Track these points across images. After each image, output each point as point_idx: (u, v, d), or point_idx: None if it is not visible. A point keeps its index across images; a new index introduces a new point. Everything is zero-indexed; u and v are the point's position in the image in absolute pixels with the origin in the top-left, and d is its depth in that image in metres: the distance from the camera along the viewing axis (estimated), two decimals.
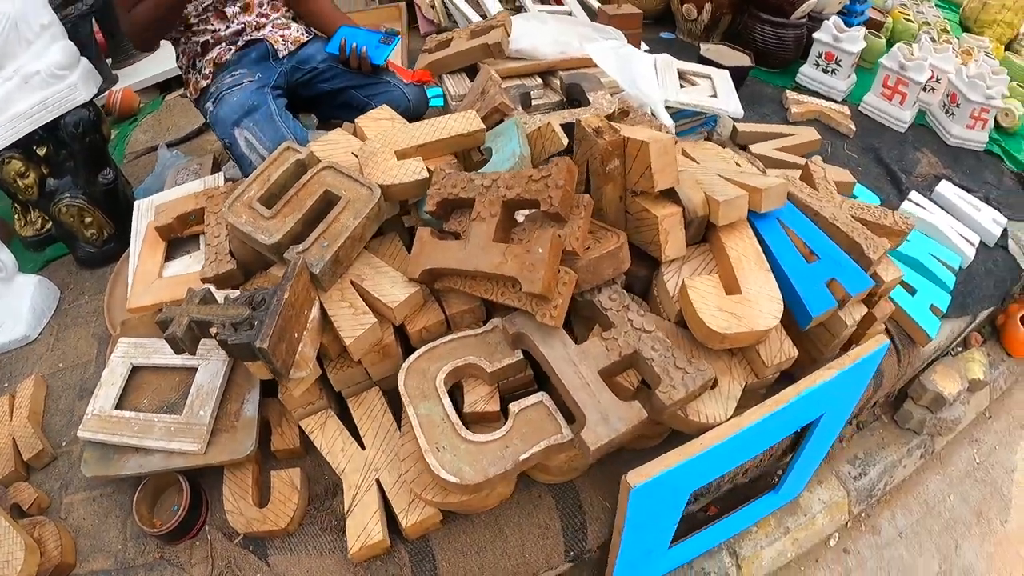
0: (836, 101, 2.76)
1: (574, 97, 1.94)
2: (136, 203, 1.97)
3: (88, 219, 2.15)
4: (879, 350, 1.43)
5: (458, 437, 1.26)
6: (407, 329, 1.48)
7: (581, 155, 1.50)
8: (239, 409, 1.52)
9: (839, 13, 3.00)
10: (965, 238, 2.18)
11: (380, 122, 1.79)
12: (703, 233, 1.51)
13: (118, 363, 1.62)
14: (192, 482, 1.48)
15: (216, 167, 2.25)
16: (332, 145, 1.73)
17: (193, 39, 2.11)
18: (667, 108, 2.06)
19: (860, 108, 2.76)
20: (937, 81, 2.79)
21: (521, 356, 1.39)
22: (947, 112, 2.71)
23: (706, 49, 2.62)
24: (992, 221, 2.28)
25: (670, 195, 1.44)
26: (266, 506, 1.45)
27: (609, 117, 1.78)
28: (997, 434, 2.51)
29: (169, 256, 1.83)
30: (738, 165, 1.79)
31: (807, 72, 2.84)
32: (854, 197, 2.12)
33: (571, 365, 1.31)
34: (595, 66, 2.09)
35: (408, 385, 1.34)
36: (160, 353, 1.61)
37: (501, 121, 1.78)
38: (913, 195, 2.27)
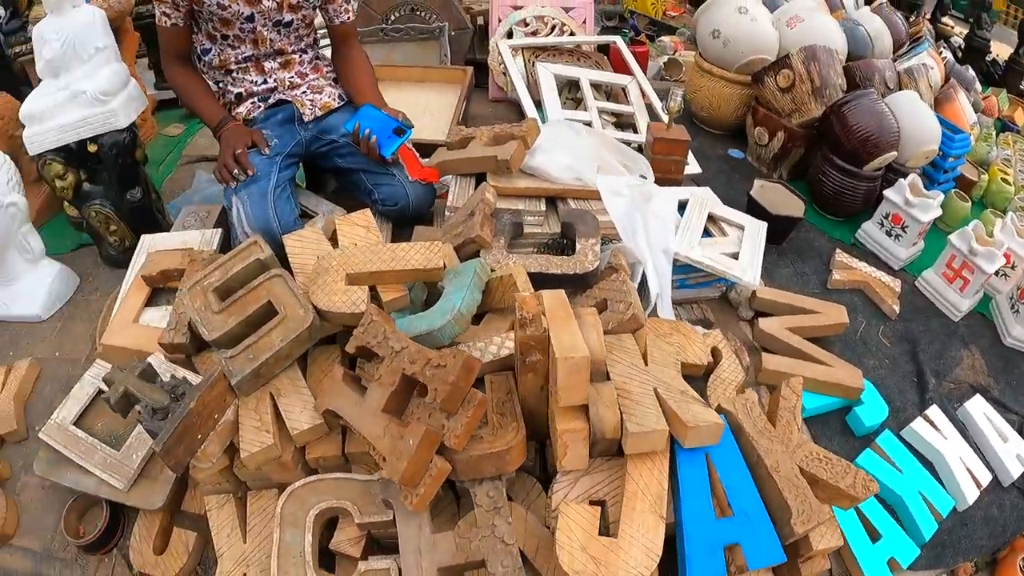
0: (892, 270, 2.52)
1: (568, 237, 1.83)
2: (142, 237, 2.11)
3: (113, 227, 2.25)
4: None
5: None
6: (305, 453, 1.50)
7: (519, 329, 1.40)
8: None
9: (929, 164, 2.74)
10: (972, 475, 1.91)
11: (355, 228, 1.80)
12: (615, 448, 1.38)
13: (88, 382, 1.74)
14: (114, 507, 1.63)
15: (224, 218, 2.27)
16: (303, 244, 1.76)
17: (230, 88, 2.14)
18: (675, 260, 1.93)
19: (916, 283, 2.50)
20: (1013, 267, 2.50)
21: (391, 516, 1.37)
22: (1013, 308, 2.42)
23: (760, 186, 2.43)
24: (1015, 457, 1.99)
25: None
26: (161, 554, 1.56)
27: (588, 274, 1.69)
28: None
29: (152, 300, 1.93)
30: (715, 360, 1.65)
31: (869, 231, 2.59)
32: (860, 403, 1.93)
33: (416, 553, 1.29)
34: None
35: (285, 508, 1.39)
36: None
37: (478, 252, 1.74)
38: (932, 411, 2.02)
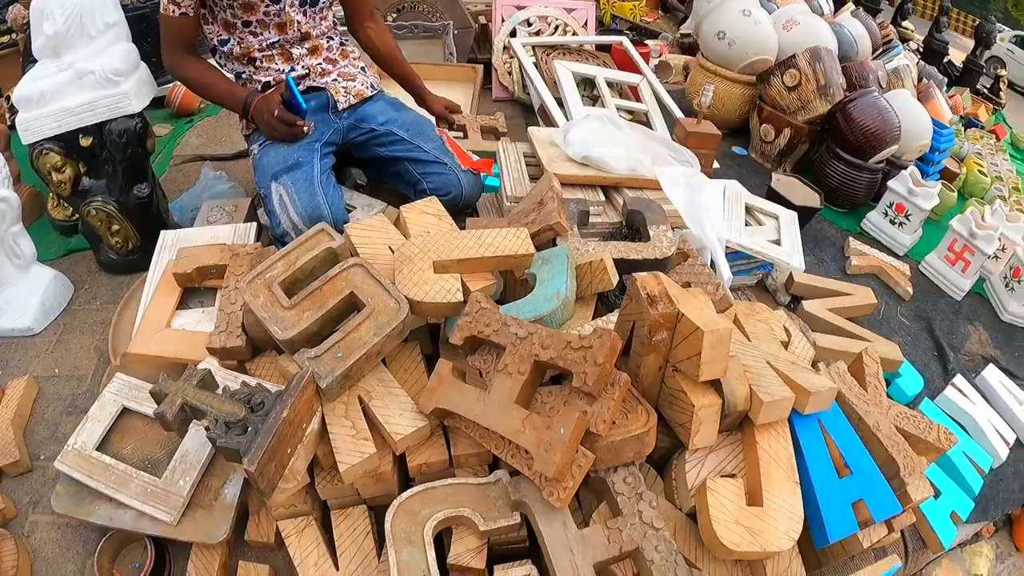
0: (897, 256, 2.67)
1: (634, 224, 1.88)
2: (162, 233, 1.93)
3: (116, 227, 2.08)
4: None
5: None
6: (407, 461, 1.41)
7: (628, 313, 1.41)
8: (220, 487, 1.43)
9: (917, 159, 2.92)
10: (1001, 435, 2.08)
11: (425, 216, 1.72)
12: (738, 423, 1.44)
13: (109, 400, 1.53)
14: (158, 544, 1.42)
15: (252, 212, 2.18)
16: (370, 232, 1.65)
17: (255, 77, 2.02)
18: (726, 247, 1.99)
19: (920, 267, 2.67)
20: (1003, 250, 2.69)
21: (519, 519, 1.30)
22: (1007, 286, 2.62)
23: (777, 180, 2.55)
24: None
25: (713, 382, 1.36)
26: None
27: (666, 259, 1.73)
28: None
29: (183, 303, 1.77)
30: (787, 338, 1.72)
31: (874, 220, 2.76)
32: (898, 376, 2.04)
33: (567, 552, 1.22)
34: (661, 190, 2.01)
35: (395, 525, 1.25)
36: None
37: (554, 240, 1.72)
38: (958, 380, 2.17)
